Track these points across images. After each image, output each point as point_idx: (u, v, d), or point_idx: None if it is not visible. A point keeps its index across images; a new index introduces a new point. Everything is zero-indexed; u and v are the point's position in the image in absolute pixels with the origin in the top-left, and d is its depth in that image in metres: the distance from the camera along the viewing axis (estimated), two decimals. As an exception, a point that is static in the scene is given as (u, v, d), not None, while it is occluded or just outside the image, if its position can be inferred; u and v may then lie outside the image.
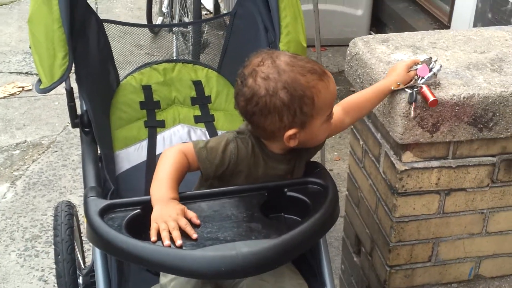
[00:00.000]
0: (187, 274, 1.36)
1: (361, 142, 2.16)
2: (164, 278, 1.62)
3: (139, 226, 1.43)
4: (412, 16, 4.61)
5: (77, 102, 2.05)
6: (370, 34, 4.88)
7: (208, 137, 2.24)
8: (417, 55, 1.98)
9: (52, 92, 1.95)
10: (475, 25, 3.60)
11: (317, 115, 1.53)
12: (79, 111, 2.04)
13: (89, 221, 1.42)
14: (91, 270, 2.09)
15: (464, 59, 1.96)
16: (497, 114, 1.82)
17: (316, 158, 1.89)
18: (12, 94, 4.24)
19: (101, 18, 2.31)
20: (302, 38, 2.10)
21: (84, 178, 1.76)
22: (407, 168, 1.87)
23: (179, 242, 1.35)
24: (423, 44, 2.06)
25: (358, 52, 2.03)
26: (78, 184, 3.26)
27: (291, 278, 1.64)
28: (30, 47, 2.00)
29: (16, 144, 3.67)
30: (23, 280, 2.65)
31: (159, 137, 2.22)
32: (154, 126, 2.24)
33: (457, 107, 1.78)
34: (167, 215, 1.40)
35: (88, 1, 2.17)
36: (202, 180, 1.62)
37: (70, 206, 2.32)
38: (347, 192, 2.36)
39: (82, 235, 2.46)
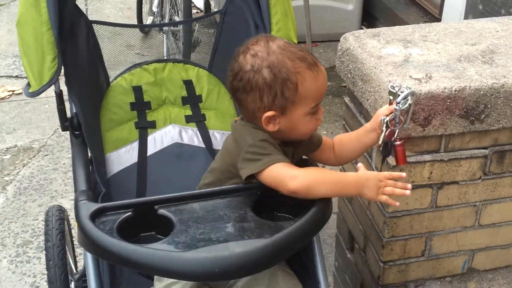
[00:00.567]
0: (180, 277, 1.35)
1: (353, 138, 2.15)
2: (159, 283, 1.61)
3: (131, 229, 1.42)
4: (403, 9, 4.60)
5: (67, 105, 2.03)
6: (362, 28, 4.87)
7: (200, 137, 2.23)
8: (408, 49, 1.97)
9: (42, 95, 1.94)
10: (466, 17, 3.60)
11: (299, 103, 1.52)
12: (68, 114, 2.02)
13: (80, 225, 1.41)
14: (83, 275, 2.07)
15: (455, 52, 1.96)
16: (489, 106, 1.81)
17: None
18: (2, 98, 4.21)
19: (90, 19, 2.29)
20: (293, 34, 2.09)
21: (74, 181, 1.74)
22: (399, 163, 1.86)
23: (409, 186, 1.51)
24: (414, 37, 2.05)
25: (349, 47, 2.02)
26: (69, 188, 3.24)
27: (284, 279, 1.63)
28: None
29: (7, 148, 3.64)
30: (14, 286, 2.64)
31: (150, 138, 2.20)
32: (145, 127, 2.23)
33: (449, 100, 1.78)
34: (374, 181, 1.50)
35: (77, 3, 2.15)
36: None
37: (61, 210, 2.30)
38: (340, 189, 2.35)
39: (73, 239, 2.44)
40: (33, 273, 2.70)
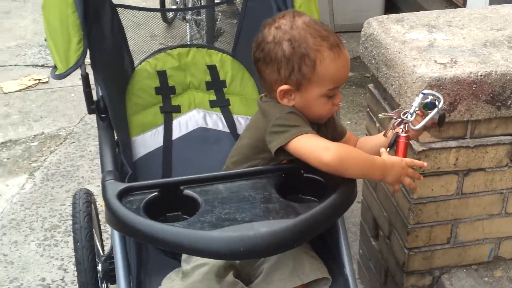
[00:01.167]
0: (205, 255, 1.36)
1: (378, 125, 2.14)
2: (186, 264, 1.63)
3: (157, 208, 1.44)
4: (427, -1, 4.57)
5: (93, 88, 2.05)
6: (385, 18, 4.84)
7: (224, 121, 2.24)
8: (432, 34, 1.95)
9: (68, 83, 1.97)
10: (491, 4, 3.55)
11: (316, 82, 1.52)
12: (95, 97, 2.04)
13: (107, 204, 1.43)
14: (110, 257, 2.10)
15: (480, 37, 1.94)
16: (516, 92, 1.80)
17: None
18: (28, 87, 4.27)
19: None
20: (317, 17, 2.08)
21: (101, 162, 1.76)
22: (424, 148, 1.85)
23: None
24: (438, 22, 2.03)
25: (373, 33, 2.01)
26: (96, 174, 3.28)
27: (310, 261, 1.63)
28: (45, 39, 2.01)
29: (34, 136, 3.70)
30: (42, 269, 2.68)
31: (175, 122, 2.22)
32: (169, 112, 2.24)
33: (475, 85, 1.76)
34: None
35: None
36: None
37: (88, 193, 2.34)
38: (364, 176, 2.35)
39: (100, 223, 2.47)
40: (61, 256, 2.74)
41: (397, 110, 1.62)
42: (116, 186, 1.47)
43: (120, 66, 2.26)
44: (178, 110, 2.25)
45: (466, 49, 1.86)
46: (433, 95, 1.57)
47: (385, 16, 2.09)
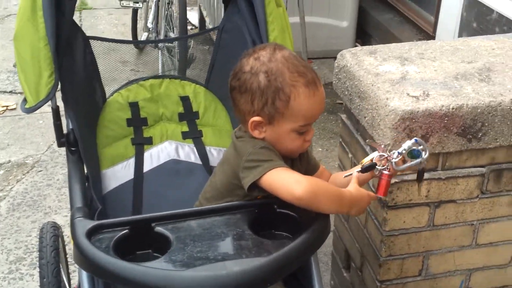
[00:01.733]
0: (177, 295, 1.33)
1: (350, 155, 2.14)
2: None
3: (127, 246, 1.41)
4: (397, 27, 4.63)
5: (63, 121, 2.01)
6: (356, 45, 4.89)
7: (196, 153, 2.22)
8: (405, 66, 1.97)
9: (37, 110, 1.92)
10: (460, 35, 3.62)
11: (289, 117, 1.51)
12: (65, 130, 2.00)
13: (76, 243, 1.39)
14: (77, 293, 2.05)
15: (452, 70, 1.96)
16: (486, 124, 1.82)
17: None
18: (-5, 113, 4.19)
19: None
20: (291, 49, 2.08)
21: (70, 198, 1.72)
22: (397, 180, 1.86)
23: None
24: (410, 55, 2.05)
25: (346, 65, 2.02)
26: (63, 204, 3.21)
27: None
28: (14, 66, 1.97)
29: (0, 164, 3.61)
30: (8, 303, 2.60)
31: (146, 154, 2.19)
32: (141, 143, 2.21)
33: (446, 118, 1.78)
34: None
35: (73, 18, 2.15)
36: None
37: (56, 227, 2.28)
38: (337, 206, 2.34)
39: (67, 256, 2.41)
40: (26, 291, 2.67)
41: (385, 144, 1.61)
42: (85, 224, 1.44)
43: (92, 98, 2.23)
44: (150, 142, 2.23)
45: (438, 82, 1.88)
46: (423, 145, 1.56)
47: (358, 48, 2.10)
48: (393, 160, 1.53)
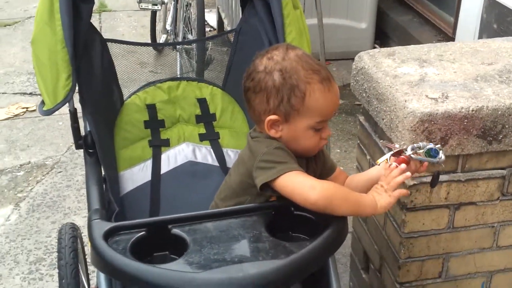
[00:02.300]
0: (193, 298, 1.33)
1: (368, 157, 2.13)
2: None
3: (144, 248, 1.41)
4: (416, 28, 4.59)
5: (81, 123, 2.03)
6: (375, 47, 4.87)
7: (213, 155, 2.22)
8: (423, 68, 1.95)
9: (56, 112, 1.94)
10: (480, 37, 3.58)
11: (304, 114, 1.51)
12: (82, 132, 2.02)
13: (93, 245, 1.40)
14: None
15: (471, 71, 1.94)
16: (507, 126, 1.79)
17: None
18: (16, 115, 4.23)
19: (105, 37, 2.30)
20: (308, 51, 2.08)
21: (88, 200, 1.74)
22: (415, 182, 1.84)
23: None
24: (429, 56, 2.04)
25: (364, 66, 2.01)
26: (82, 205, 3.23)
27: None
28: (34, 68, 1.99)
29: (20, 165, 3.65)
30: (28, 303, 2.62)
31: (163, 156, 2.20)
32: (158, 145, 2.22)
33: (466, 120, 1.76)
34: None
35: (91, 21, 2.16)
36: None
37: (74, 228, 2.29)
38: (355, 208, 2.33)
39: (86, 257, 2.43)
40: (46, 291, 2.69)
41: (399, 144, 1.60)
42: (102, 226, 1.44)
43: (109, 100, 2.25)
44: (167, 143, 2.23)
45: (457, 84, 1.86)
46: (441, 150, 1.56)
47: (376, 50, 2.09)
48: (408, 153, 1.53)
